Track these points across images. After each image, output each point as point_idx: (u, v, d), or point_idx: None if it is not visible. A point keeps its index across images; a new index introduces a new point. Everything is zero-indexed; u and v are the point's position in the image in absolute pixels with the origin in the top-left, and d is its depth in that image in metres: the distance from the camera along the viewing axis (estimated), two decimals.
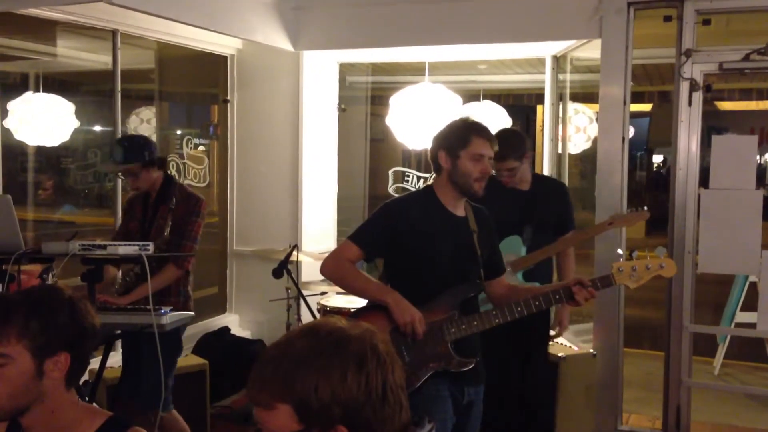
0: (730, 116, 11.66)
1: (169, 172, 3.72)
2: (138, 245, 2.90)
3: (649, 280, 2.73)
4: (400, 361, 1.33)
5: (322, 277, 4.69)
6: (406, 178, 6.07)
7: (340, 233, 6.08)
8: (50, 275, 3.01)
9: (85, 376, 3.83)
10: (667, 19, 4.22)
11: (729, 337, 5.96)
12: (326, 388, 1.21)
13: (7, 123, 4.63)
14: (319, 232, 5.90)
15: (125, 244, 2.89)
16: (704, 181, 4.21)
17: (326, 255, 2.90)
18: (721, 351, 5.97)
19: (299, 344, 1.25)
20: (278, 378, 1.23)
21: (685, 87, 4.21)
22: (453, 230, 2.77)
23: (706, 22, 4.20)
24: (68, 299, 1.72)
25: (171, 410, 3.59)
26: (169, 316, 3.04)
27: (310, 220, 5.86)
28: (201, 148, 6.37)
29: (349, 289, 2.90)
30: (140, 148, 3.51)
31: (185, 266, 3.50)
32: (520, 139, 3.83)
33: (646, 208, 3.68)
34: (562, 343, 4.57)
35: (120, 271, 3.66)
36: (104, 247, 2.84)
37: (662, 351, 4.46)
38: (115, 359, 4.34)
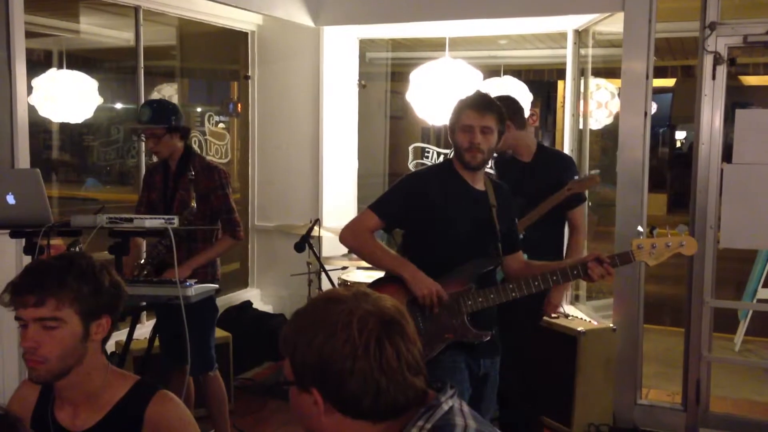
0: (754, 91, 11.48)
1: (191, 144, 3.76)
2: (164, 218, 2.94)
3: (669, 258, 2.72)
4: (396, 351, 1.28)
5: (343, 252, 4.75)
6: (426, 154, 6.07)
7: (360, 210, 6.11)
8: (77, 248, 3.06)
9: (112, 348, 3.94)
10: None
11: (750, 313, 5.94)
12: (303, 348, 1.28)
13: (32, 100, 4.68)
14: (339, 208, 5.93)
15: (151, 218, 2.93)
16: (727, 156, 4.17)
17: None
18: (743, 327, 5.95)
19: (308, 305, 1.35)
20: (285, 331, 1.32)
21: (708, 60, 4.16)
22: (472, 203, 2.79)
23: None
24: (103, 265, 1.79)
25: (216, 370, 3.71)
26: (194, 288, 3.09)
27: (331, 197, 5.90)
28: (221, 125, 6.40)
29: (367, 259, 2.92)
30: (168, 112, 3.55)
31: (240, 236, 3.63)
32: (508, 103, 3.66)
33: (598, 171, 3.67)
34: (582, 318, 4.59)
35: (144, 242, 3.73)
36: (131, 220, 2.88)
37: (682, 327, 4.46)
38: (141, 331, 4.43)
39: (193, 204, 3.46)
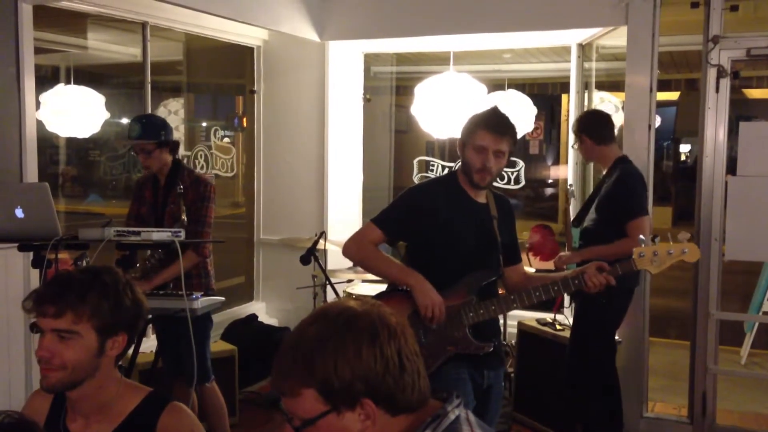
0: (758, 104, 11.50)
1: (180, 157, 3.77)
2: (170, 231, 2.96)
3: (671, 265, 2.71)
4: (411, 331, 1.36)
5: (349, 265, 4.76)
6: (430, 168, 6.09)
7: (365, 223, 6.11)
8: (84, 262, 3.08)
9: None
10: (694, 5, 4.20)
11: (756, 326, 5.92)
12: (344, 365, 1.25)
13: (40, 115, 4.71)
14: (344, 221, 5.95)
15: (159, 231, 2.96)
16: (731, 169, 4.19)
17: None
18: (749, 340, 5.93)
19: (312, 330, 1.30)
20: (298, 365, 1.27)
21: (712, 74, 4.19)
22: (474, 216, 2.79)
23: (734, 8, 4.17)
24: (128, 282, 1.81)
25: (212, 381, 3.72)
26: (201, 301, 3.11)
27: (336, 210, 5.92)
28: (227, 139, 6.44)
29: (371, 271, 2.90)
30: (157, 127, 3.59)
31: (204, 253, 3.57)
32: (587, 118, 4.11)
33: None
34: None
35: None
36: (138, 233, 2.91)
37: (688, 340, 4.46)
38: (147, 344, 4.44)
39: (184, 217, 3.48)
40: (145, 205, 3.71)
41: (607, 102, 5.96)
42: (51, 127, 4.90)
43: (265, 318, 5.98)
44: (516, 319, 4.73)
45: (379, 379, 1.26)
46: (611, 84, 5.91)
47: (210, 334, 3.76)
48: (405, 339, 1.32)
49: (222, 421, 3.74)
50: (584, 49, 5.51)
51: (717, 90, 4.19)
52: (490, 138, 2.70)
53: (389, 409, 1.29)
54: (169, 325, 3.48)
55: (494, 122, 2.73)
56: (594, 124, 4.00)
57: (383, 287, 2.93)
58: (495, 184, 3.80)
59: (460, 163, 2.85)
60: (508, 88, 5.90)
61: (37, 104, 4.34)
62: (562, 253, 4.03)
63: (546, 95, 9.21)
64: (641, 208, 3.79)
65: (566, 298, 4.83)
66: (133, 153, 3.68)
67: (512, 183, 5.78)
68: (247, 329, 5.45)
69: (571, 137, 4.27)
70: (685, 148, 19.24)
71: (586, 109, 5.70)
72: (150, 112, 5.18)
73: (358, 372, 1.25)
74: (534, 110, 5.61)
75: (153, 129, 3.57)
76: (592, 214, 3.92)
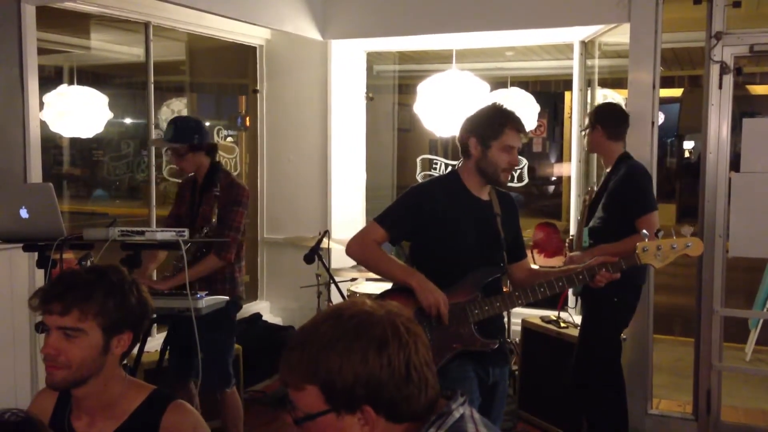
0: (761, 100, 11.46)
1: (218, 161, 3.77)
2: (175, 231, 2.96)
3: (674, 261, 2.72)
4: (426, 340, 1.35)
5: (352, 264, 4.77)
6: (434, 166, 6.09)
7: (368, 222, 6.11)
8: (89, 262, 3.08)
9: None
10: (697, 1, 4.19)
11: (761, 322, 5.91)
12: (349, 369, 1.25)
13: (44, 115, 4.72)
14: (348, 220, 5.96)
15: (163, 231, 2.96)
16: (735, 165, 4.18)
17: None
18: (753, 336, 5.92)
19: (324, 327, 1.30)
20: (304, 360, 1.28)
21: (715, 70, 4.18)
22: (477, 214, 2.80)
23: (737, 5, 4.16)
24: (134, 281, 1.82)
25: (233, 386, 3.70)
26: (205, 301, 3.11)
27: (339, 209, 5.92)
28: (230, 139, 6.45)
29: (374, 270, 2.91)
30: (190, 130, 3.59)
31: (226, 257, 3.51)
32: (605, 110, 4.10)
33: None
34: None
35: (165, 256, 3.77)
36: (143, 233, 2.91)
37: (692, 337, 4.45)
38: (152, 344, 4.45)
39: (214, 219, 3.49)
40: (185, 206, 3.73)
41: (611, 99, 5.96)
42: (54, 127, 4.91)
43: (269, 317, 5.99)
44: (520, 317, 4.73)
45: (382, 387, 1.26)
46: (614, 81, 5.90)
47: (232, 340, 3.74)
48: (416, 349, 1.31)
49: (238, 425, 3.72)
50: (587, 46, 5.50)
51: (720, 86, 4.18)
52: (517, 137, 2.76)
53: (390, 417, 1.29)
54: (179, 327, 3.47)
55: (517, 120, 2.79)
56: (613, 118, 3.99)
57: (388, 286, 2.93)
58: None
59: (462, 162, 2.85)
60: (510, 85, 5.90)
61: (41, 105, 4.34)
62: (571, 254, 4.01)
63: (549, 93, 9.19)
64: (651, 204, 3.79)
65: (570, 298, 4.82)
66: (167, 153, 3.70)
67: (516, 181, 5.78)
68: (251, 328, 5.47)
69: (579, 123, 4.25)
70: (688, 145, 19.16)
71: (588, 106, 5.70)
72: (153, 111, 5.19)
73: (362, 377, 1.25)
74: (537, 108, 5.61)
75: (185, 132, 3.58)
76: (599, 213, 3.90)
